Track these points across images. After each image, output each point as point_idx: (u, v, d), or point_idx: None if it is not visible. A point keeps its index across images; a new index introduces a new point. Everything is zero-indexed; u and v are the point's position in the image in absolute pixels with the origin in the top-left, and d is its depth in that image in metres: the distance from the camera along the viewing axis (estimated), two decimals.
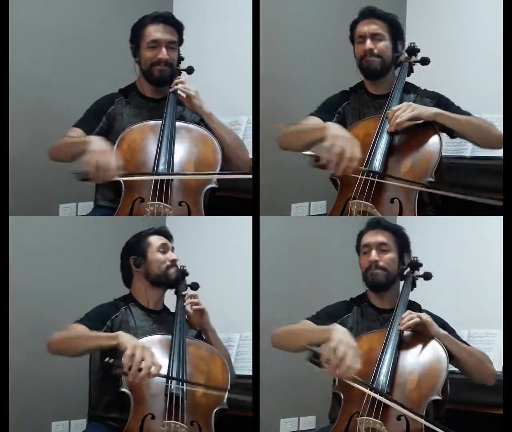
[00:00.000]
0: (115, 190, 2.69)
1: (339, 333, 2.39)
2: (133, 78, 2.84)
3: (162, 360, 2.47)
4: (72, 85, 3.38)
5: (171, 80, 2.78)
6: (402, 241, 2.65)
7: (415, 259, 2.66)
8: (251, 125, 3.06)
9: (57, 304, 3.19)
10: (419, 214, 2.59)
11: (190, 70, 2.84)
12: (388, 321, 2.57)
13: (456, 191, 2.58)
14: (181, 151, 2.73)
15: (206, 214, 2.70)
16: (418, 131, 2.64)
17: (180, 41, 2.82)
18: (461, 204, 2.62)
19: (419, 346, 2.51)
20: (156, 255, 2.68)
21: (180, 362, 2.53)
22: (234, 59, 3.48)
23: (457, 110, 2.71)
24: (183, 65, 2.84)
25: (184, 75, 2.84)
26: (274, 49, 3.32)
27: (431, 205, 2.67)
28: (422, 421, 2.37)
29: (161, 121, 2.74)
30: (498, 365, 3.09)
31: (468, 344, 2.63)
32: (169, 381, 2.46)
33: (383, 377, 2.45)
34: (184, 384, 2.49)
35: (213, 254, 3.50)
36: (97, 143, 2.58)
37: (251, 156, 2.86)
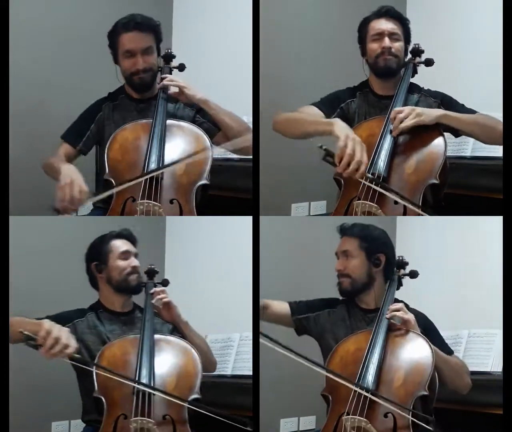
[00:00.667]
0: (107, 189, 2.68)
1: (343, 128, 2.56)
2: None
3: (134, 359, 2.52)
4: (72, 85, 3.38)
5: (154, 83, 2.79)
6: (407, 31, 2.76)
7: (400, 258, 2.68)
8: (251, 125, 3.06)
9: (57, 304, 3.18)
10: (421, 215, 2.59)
11: (181, 68, 2.85)
12: (373, 322, 2.57)
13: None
14: (172, 148, 2.73)
15: (198, 213, 2.68)
16: (423, 132, 2.64)
17: (159, 40, 2.82)
18: (461, 204, 2.62)
19: (405, 344, 2.52)
20: (116, 262, 2.68)
21: (148, 359, 2.54)
22: (234, 59, 3.48)
23: (461, 108, 2.72)
24: (175, 62, 2.84)
25: (175, 73, 2.84)
26: (274, 49, 3.32)
27: (435, 205, 2.67)
28: (409, 416, 2.37)
29: (152, 120, 2.74)
30: (498, 365, 3.10)
31: (451, 351, 2.63)
32: (137, 378, 2.49)
33: (369, 376, 2.46)
34: (152, 380, 2.50)
35: (213, 254, 3.50)
36: (63, 175, 2.62)
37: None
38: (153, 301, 2.68)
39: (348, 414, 2.42)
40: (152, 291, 2.70)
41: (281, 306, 2.71)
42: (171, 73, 2.82)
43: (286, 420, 3.40)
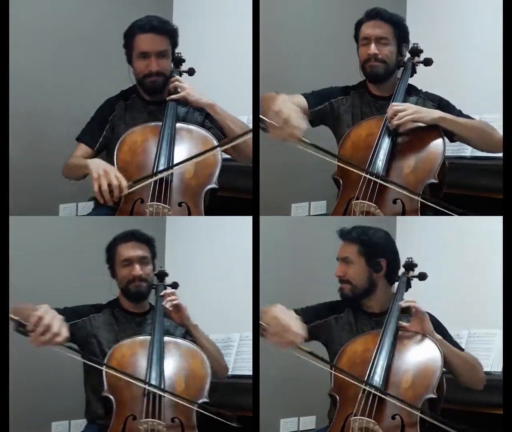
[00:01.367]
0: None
1: (280, 99, 2.52)
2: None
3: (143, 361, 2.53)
4: (72, 85, 3.38)
5: (166, 87, 2.78)
6: (401, 32, 2.70)
7: (410, 259, 2.66)
8: (251, 125, 3.06)
9: (57, 304, 3.18)
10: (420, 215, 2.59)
11: (191, 72, 2.85)
12: (380, 325, 2.57)
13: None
14: (181, 152, 2.73)
15: (206, 215, 2.69)
16: (422, 132, 2.64)
17: (174, 45, 2.81)
18: (461, 204, 2.62)
19: (414, 346, 2.52)
20: (119, 269, 2.69)
21: (158, 361, 2.55)
22: (234, 59, 3.48)
23: (458, 113, 2.71)
24: (184, 67, 2.84)
25: (185, 77, 2.84)
26: (274, 49, 3.32)
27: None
28: (417, 413, 2.37)
29: (161, 123, 2.74)
30: (498, 365, 3.09)
31: (462, 349, 2.63)
32: (147, 381, 2.49)
33: (377, 377, 2.45)
34: (163, 383, 2.51)
35: (213, 254, 3.50)
36: (94, 168, 2.61)
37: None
38: (163, 303, 2.68)
39: (355, 415, 2.42)
40: (162, 293, 2.70)
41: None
42: (181, 76, 2.82)
43: (286, 420, 3.40)
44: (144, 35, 2.76)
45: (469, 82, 3.38)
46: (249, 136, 2.72)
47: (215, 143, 2.75)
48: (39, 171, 3.32)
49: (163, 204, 2.64)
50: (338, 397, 2.49)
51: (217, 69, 3.46)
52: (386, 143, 2.64)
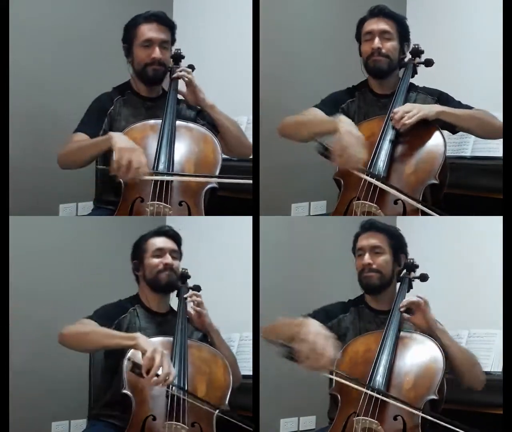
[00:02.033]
0: (115, 190, 2.68)
1: (346, 124, 2.52)
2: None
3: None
4: (72, 85, 3.38)
5: (164, 79, 2.78)
6: (397, 242, 2.64)
7: (411, 260, 2.65)
8: (251, 125, 3.06)
9: (57, 304, 3.19)
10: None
11: (191, 69, 2.84)
12: (385, 323, 2.56)
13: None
14: (181, 150, 2.73)
15: (206, 214, 2.69)
16: (422, 132, 2.64)
17: (173, 40, 2.81)
18: (462, 204, 2.62)
19: (416, 347, 2.52)
20: (149, 259, 2.67)
21: (181, 364, 2.53)
22: (234, 59, 3.48)
23: (458, 104, 2.72)
24: (184, 63, 2.84)
25: None
26: (274, 49, 3.32)
27: (434, 206, 2.66)
28: (419, 413, 2.37)
29: (161, 120, 2.74)
30: (498, 365, 3.09)
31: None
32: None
33: (379, 378, 2.45)
34: (186, 385, 2.49)
35: (213, 254, 3.50)
36: (123, 140, 2.59)
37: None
38: (188, 303, 2.67)
39: (358, 415, 2.41)
40: (185, 296, 2.70)
41: None
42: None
43: (286, 420, 3.40)
44: (149, 24, 2.75)
45: (469, 82, 3.38)
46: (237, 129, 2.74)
47: (215, 141, 2.75)
48: (39, 171, 3.32)
49: (164, 204, 2.64)
50: (339, 397, 2.48)
51: (217, 69, 3.46)
52: (387, 144, 2.64)
